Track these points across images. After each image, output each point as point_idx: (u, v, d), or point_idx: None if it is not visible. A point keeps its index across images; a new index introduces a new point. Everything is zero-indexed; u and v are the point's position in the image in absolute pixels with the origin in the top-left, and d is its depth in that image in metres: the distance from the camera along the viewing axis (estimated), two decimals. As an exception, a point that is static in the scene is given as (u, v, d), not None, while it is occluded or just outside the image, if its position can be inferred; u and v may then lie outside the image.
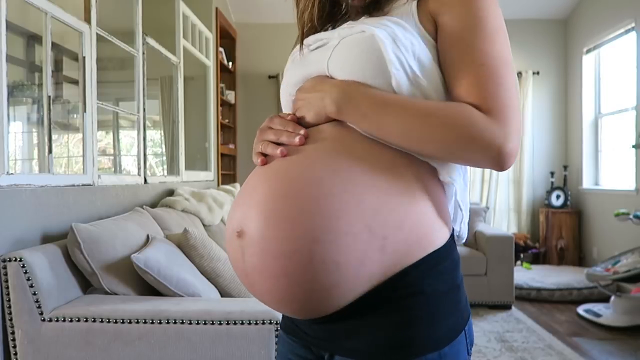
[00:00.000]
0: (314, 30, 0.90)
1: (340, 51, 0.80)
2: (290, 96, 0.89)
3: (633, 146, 4.38)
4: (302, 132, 0.79)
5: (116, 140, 5.18)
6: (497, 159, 0.71)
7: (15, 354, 1.75)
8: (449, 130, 0.72)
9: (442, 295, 0.76)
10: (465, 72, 0.74)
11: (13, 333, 1.75)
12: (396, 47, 0.75)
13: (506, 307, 3.98)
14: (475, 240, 4.29)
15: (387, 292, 0.73)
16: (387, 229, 0.72)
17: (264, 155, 0.82)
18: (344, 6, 0.91)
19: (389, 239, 0.72)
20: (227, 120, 5.35)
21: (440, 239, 0.77)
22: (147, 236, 2.21)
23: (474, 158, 0.73)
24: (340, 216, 0.71)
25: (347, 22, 0.87)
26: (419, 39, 0.77)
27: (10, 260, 1.72)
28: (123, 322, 1.75)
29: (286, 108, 0.92)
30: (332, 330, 0.77)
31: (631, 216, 3.82)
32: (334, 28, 0.90)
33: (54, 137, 2.29)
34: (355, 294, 0.73)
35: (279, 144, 0.80)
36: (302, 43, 0.90)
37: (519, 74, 5.69)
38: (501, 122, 0.71)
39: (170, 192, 3.46)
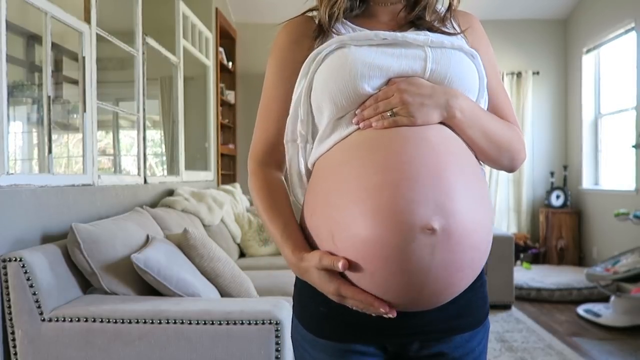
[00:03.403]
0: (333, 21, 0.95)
1: (448, 61, 0.89)
2: (364, 77, 0.86)
3: (633, 146, 4.39)
4: None
5: (116, 140, 5.18)
6: (520, 165, 1.00)
7: (15, 354, 1.76)
8: (515, 143, 0.96)
9: None
10: (506, 100, 1.01)
11: (13, 333, 1.75)
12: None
13: (506, 307, 3.98)
14: (475, 240, 4.29)
15: (477, 279, 0.92)
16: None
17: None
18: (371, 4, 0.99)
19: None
20: (227, 120, 5.35)
21: None
22: (147, 236, 2.21)
23: (517, 163, 0.98)
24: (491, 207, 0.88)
25: (411, 30, 0.94)
26: None
27: (10, 260, 1.72)
28: (123, 322, 1.75)
29: (344, 81, 0.86)
30: (447, 314, 0.89)
31: (631, 216, 3.82)
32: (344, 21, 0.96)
33: (54, 137, 2.29)
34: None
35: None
36: (329, 30, 0.94)
37: (519, 74, 5.70)
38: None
39: (170, 192, 3.46)
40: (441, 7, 0.99)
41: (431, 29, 0.95)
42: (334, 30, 0.94)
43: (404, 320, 0.87)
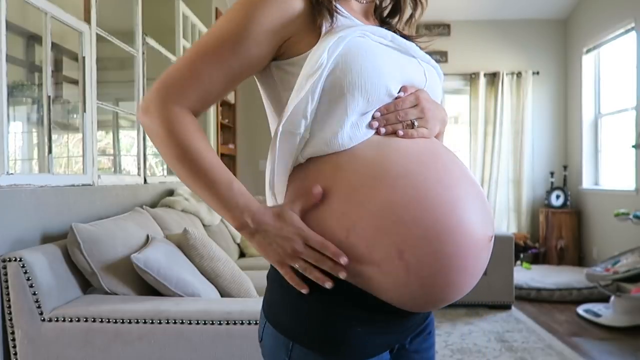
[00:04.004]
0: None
1: (434, 77, 0.93)
2: (392, 78, 0.83)
3: (633, 146, 4.39)
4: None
5: (116, 140, 5.17)
6: None
7: (15, 354, 1.76)
8: None
9: None
10: None
11: (13, 333, 1.75)
12: None
13: (506, 307, 3.98)
14: (475, 240, 4.29)
15: None
16: None
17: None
18: None
19: None
20: (227, 120, 5.35)
21: None
22: (147, 236, 2.21)
23: None
24: None
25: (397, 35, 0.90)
26: None
27: (10, 260, 1.72)
28: (123, 322, 1.75)
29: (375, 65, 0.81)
30: None
31: (631, 216, 3.82)
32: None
33: (53, 137, 2.29)
34: None
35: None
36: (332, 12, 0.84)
37: (519, 74, 5.70)
38: None
39: (170, 192, 3.46)
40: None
41: (407, 38, 0.95)
42: (337, 10, 0.84)
43: (416, 315, 0.88)
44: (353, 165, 0.80)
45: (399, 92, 0.84)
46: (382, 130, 0.82)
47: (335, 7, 0.84)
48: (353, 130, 0.81)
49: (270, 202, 0.91)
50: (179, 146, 0.81)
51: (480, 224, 0.80)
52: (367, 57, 0.80)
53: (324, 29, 0.82)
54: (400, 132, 0.82)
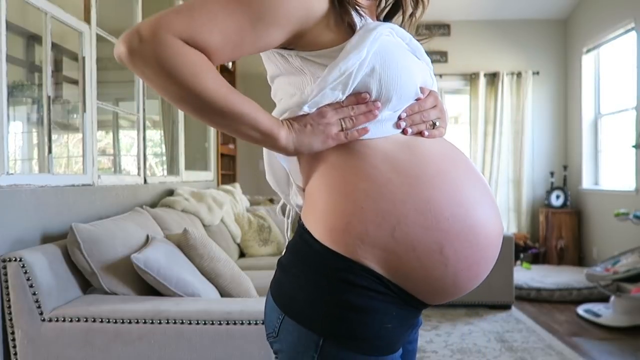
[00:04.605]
0: None
1: (435, 80, 0.94)
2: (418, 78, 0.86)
3: (633, 146, 4.39)
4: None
5: (116, 140, 5.17)
6: None
7: (15, 354, 1.76)
8: None
9: None
10: None
11: (13, 333, 1.75)
12: None
13: (506, 307, 3.98)
14: (475, 240, 4.29)
15: None
16: None
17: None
18: None
19: None
20: (227, 120, 5.34)
21: None
22: (147, 236, 2.21)
23: None
24: None
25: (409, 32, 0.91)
26: None
27: (10, 260, 1.72)
28: (123, 322, 1.75)
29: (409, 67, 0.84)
30: None
31: (631, 216, 3.82)
32: None
33: (53, 137, 2.29)
34: None
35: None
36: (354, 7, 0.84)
37: (519, 74, 5.70)
38: None
39: (170, 192, 3.46)
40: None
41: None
42: (360, 6, 0.84)
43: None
44: (388, 164, 0.82)
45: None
46: (410, 130, 0.84)
47: (359, 4, 0.84)
48: (378, 125, 0.83)
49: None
50: (198, 85, 0.76)
51: (495, 216, 0.86)
52: (400, 55, 0.83)
53: (358, 25, 0.82)
54: (426, 133, 0.86)
